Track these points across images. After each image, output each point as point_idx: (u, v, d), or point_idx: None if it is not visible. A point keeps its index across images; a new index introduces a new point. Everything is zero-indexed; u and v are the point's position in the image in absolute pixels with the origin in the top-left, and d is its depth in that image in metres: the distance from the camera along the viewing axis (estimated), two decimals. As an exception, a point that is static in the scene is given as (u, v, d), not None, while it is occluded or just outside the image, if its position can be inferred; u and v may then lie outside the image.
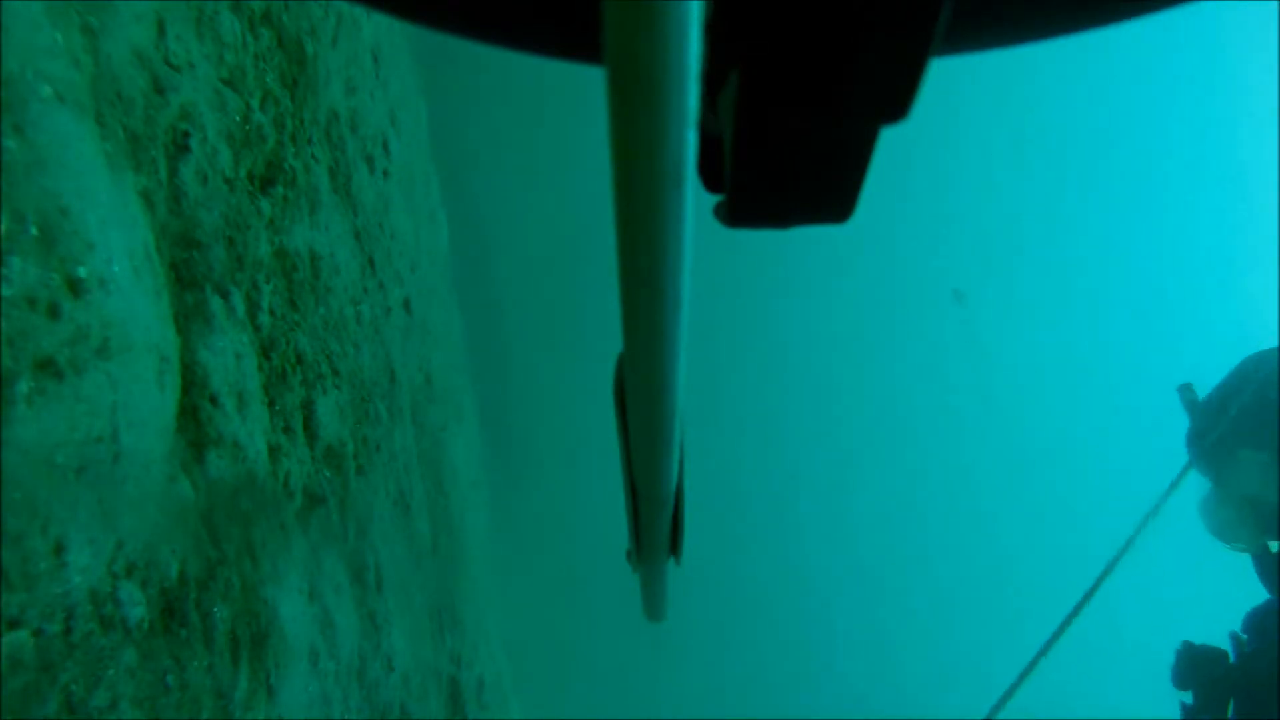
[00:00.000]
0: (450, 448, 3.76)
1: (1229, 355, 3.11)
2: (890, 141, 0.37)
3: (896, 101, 0.31)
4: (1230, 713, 2.74)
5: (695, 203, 0.30)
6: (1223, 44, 10.29)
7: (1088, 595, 3.25)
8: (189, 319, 1.26)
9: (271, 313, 1.61)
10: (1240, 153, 11.25)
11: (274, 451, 1.55)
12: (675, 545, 0.64)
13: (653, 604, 0.78)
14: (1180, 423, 3.03)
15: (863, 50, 0.29)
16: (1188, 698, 2.84)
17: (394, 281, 2.86)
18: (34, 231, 0.85)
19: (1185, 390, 3.06)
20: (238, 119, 1.52)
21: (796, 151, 0.35)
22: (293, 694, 1.47)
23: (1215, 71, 10.91)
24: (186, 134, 1.30)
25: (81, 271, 0.91)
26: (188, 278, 1.28)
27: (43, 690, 0.84)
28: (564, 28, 0.39)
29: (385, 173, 2.90)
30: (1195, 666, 2.91)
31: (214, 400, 1.29)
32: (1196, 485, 3.04)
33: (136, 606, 1.01)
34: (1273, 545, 2.83)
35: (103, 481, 0.95)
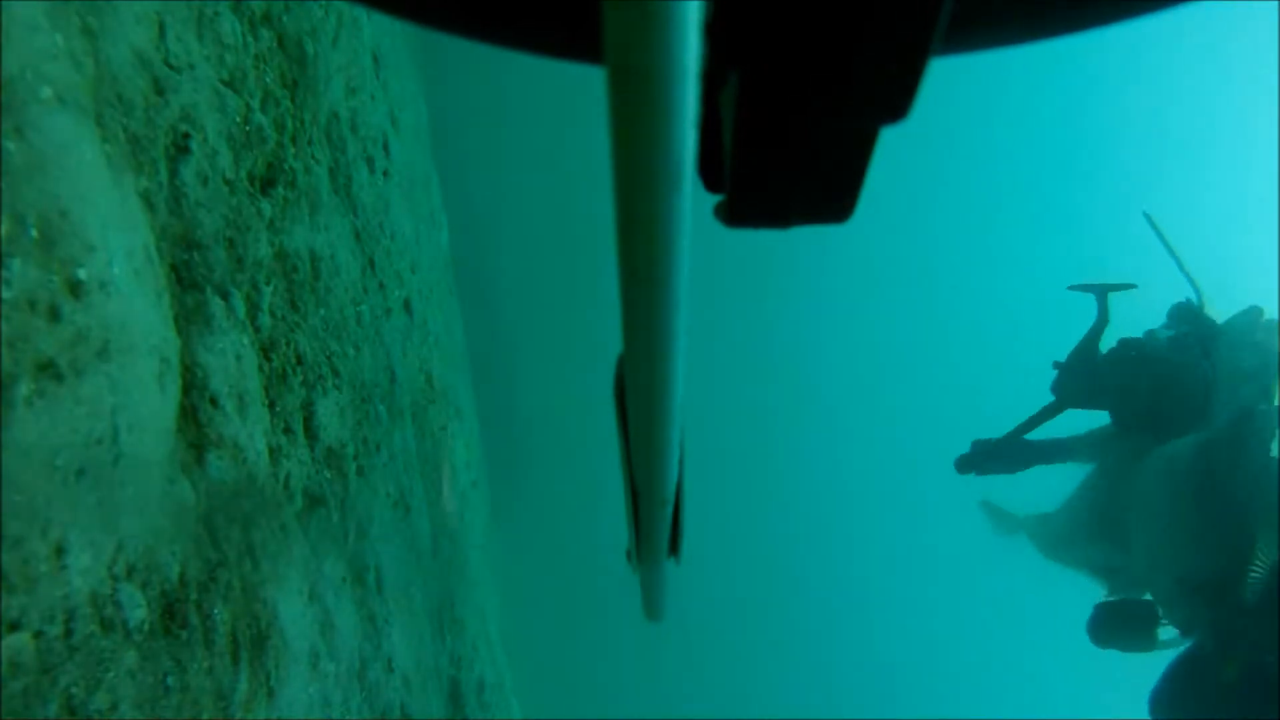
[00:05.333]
0: (450, 448, 3.76)
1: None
2: (891, 141, 0.37)
3: (896, 102, 0.31)
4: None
5: (695, 203, 0.30)
6: (1223, 44, 10.29)
7: None
8: (189, 320, 1.26)
9: (272, 314, 1.61)
10: (1241, 152, 11.25)
11: (274, 453, 1.55)
12: (675, 545, 0.64)
13: (652, 604, 0.78)
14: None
15: (862, 50, 0.29)
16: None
17: (394, 282, 2.86)
18: (34, 233, 0.85)
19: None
20: (238, 120, 1.52)
21: (796, 152, 0.35)
22: (293, 696, 1.47)
23: (1215, 71, 10.91)
24: (187, 135, 1.30)
25: (81, 273, 0.91)
26: (188, 279, 1.28)
27: (43, 692, 0.84)
28: (564, 27, 0.39)
29: (385, 173, 2.90)
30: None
31: (214, 402, 1.29)
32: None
33: (137, 609, 1.01)
34: None
35: (103, 484, 0.95)
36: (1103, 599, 3.30)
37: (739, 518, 10.64)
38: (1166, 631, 3.13)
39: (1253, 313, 3.46)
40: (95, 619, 0.93)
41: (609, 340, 0.43)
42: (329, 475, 1.87)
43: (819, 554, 11.80)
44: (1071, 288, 3.62)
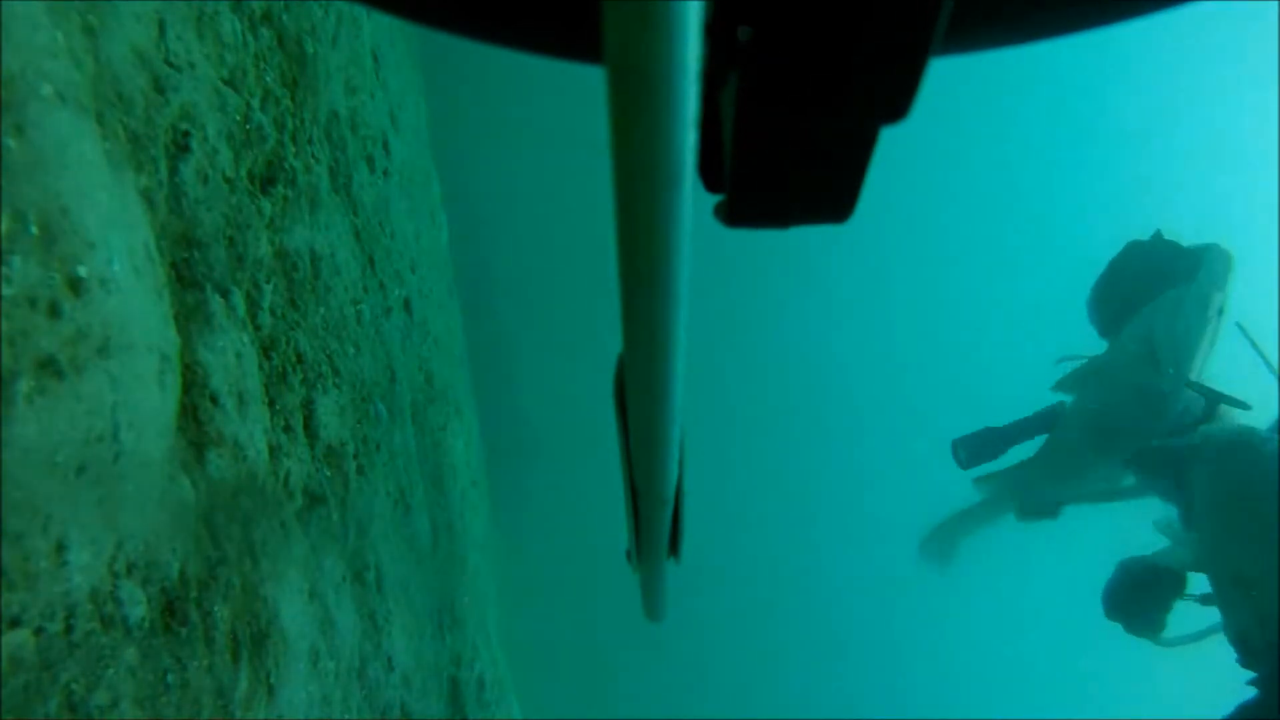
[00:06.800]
0: (450, 447, 3.76)
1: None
2: (891, 142, 0.37)
3: (896, 102, 0.31)
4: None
5: (695, 203, 0.30)
6: (1223, 44, 10.29)
7: None
8: (189, 319, 1.26)
9: (272, 312, 1.61)
10: (1241, 152, 11.25)
11: (274, 451, 1.55)
12: (675, 545, 0.64)
13: (652, 604, 0.78)
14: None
15: (862, 51, 0.29)
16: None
17: (394, 281, 2.86)
18: (34, 231, 0.85)
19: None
20: (238, 119, 1.52)
21: (796, 151, 0.35)
22: (293, 694, 1.47)
23: (1216, 71, 10.91)
24: (187, 134, 1.30)
25: (82, 271, 0.91)
26: (188, 277, 1.28)
27: (44, 689, 0.84)
28: (564, 27, 0.39)
29: (385, 172, 2.90)
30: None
31: (214, 400, 1.29)
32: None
33: (137, 606, 1.01)
34: None
35: (103, 481, 0.95)
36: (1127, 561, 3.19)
37: (740, 518, 10.64)
38: (1178, 628, 3.05)
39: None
40: (95, 616, 0.93)
41: (609, 340, 0.43)
42: (329, 474, 1.87)
43: (820, 554, 11.79)
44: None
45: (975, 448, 3.81)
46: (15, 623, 0.81)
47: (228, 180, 1.44)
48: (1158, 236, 3.55)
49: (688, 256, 0.31)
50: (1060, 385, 3.77)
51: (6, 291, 0.81)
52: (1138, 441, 3.25)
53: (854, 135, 0.35)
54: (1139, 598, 3.04)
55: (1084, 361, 3.70)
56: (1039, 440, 3.91)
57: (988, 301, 12.05)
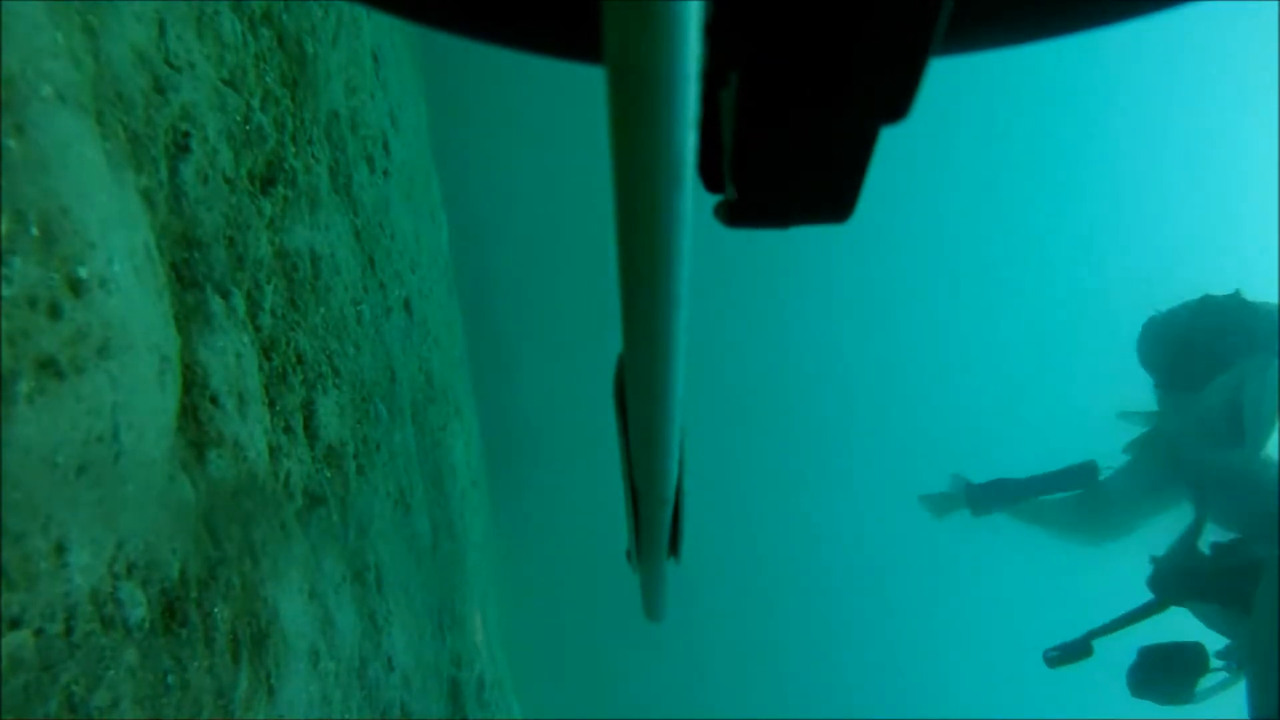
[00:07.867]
0: (450, 447, 3.76)
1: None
2: (891, 141, 0.37)
3: (896, 102, 0.31)
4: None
5: (695, 203, 0.30)
6: (1223, 44, 10.30)
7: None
8: (189, 319, 1.26)
9: (272, 313, 1.61)
10: (1241, 153, 11.25)
11: (274, 451, 1.55)
12: (675, 545, 0.64)
13: (653, 604, 0.78)
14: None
15: (862, 50, 0.29)
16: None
17: (394, 281, 2.86)
18: (35, 231, 0.85)
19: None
20: (238, 119, 1.52)
21: (796, 151, 0.35)
22: (293, 694, 1.47)
23: (1216, 71, 10.92)
24: (187, 134, 1.30)
25: (82, 271, 0.91)
26: (188, 277, 1.28)
27: (44, 689, 0.84)
28: (564, 27, 0.39)
29: (385, 172, 2.90)
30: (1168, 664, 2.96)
31: (214, 400, 1.29)
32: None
33: (137, 606, 1.01)
34: None
35: (103, 481, 0.95)
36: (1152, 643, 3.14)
37: (740, 518, 10.63)
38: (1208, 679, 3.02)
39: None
40: (96, 617, 0.93)
41: (609, 340, 0.43)
42: (329, 474, 1.87)
43: (822, 555, 11.79)
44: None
45: (989, 498, 3.74)
46: (15, 623, 0.81)
47: (228, 180, 1.44)
48: (1236, 296, 3.44)
49: (688, 256, 0.31)
50: (1130, 448, 3.68)
51: (6, 292, 0.81)
52: (1186, 498, 3.18)
53: (854, 135, 0.35)
54: (1165, 680, 3.00)
55: (1149, 423, 3.60)
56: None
57: (988, 303, 12.05)
